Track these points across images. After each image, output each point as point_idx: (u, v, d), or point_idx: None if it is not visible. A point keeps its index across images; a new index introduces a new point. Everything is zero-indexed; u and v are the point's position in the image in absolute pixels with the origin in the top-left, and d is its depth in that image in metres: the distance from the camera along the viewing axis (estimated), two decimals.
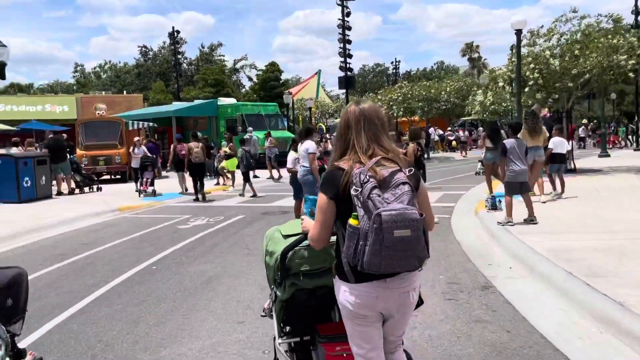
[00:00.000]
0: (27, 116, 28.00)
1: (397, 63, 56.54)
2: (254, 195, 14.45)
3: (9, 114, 28.50)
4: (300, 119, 41.24)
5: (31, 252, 8.48)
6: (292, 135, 27.22)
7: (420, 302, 2.54)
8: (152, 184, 14.70)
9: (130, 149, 16.11)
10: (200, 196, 14.05)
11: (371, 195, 2.18)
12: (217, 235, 9.28)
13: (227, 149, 17.07)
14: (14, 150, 14.79)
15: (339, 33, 26.12)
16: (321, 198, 2.36)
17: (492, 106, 27.84)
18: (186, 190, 15.45)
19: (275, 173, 19.49)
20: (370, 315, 2.39)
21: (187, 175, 14.84)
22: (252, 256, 7.48)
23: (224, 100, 28.15)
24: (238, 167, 15.91)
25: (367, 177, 2.22)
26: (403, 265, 2.21)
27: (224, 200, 14.21)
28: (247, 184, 14.84)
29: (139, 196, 14.43)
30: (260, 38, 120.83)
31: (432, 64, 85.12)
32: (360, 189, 2.20)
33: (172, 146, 17.62)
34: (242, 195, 14.78)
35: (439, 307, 5.05)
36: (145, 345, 4.44)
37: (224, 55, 61.43)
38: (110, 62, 69.06)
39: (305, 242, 2.65)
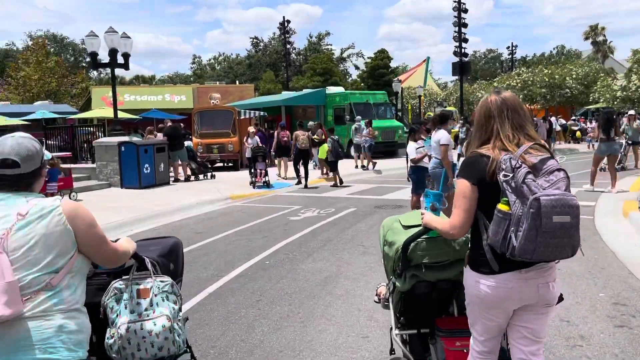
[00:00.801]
0: (148, 105, 29.71)
1: (513, 48, 52.63)
2: (339, 184, 14.62)
3: (133, 104, 30.45)
4: (410, 107, 39.93)
5: None
6: (400, 125, 26.40)
7: (560, 297, 2.43)
8: (266, 174, 14.47)
9: (244, 139, 15.86)
10: (303, 182, 14.46)
11: (526, 180, 2.13)
12: (329, 229, 8.81)
13: (315, 137, 16.61)
14: (135, 138, 15.46)
15: (454, 16, 24.59)
16: (463, 184, 2.33)
17: (624, 93, 24.74)
18: (283, 177, 16.04)
19: (364, 162, 19.06)
20: (502, 309, 2.34)
21: (288, 162, 15.61)
22: (369, 255, 6.88)
23: (332, 89, 27.82)
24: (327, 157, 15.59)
25: (520, 163, 2.18)
26: (557, 254, 2.14)
27: (332, 191, 13.77)
28: (335, 174, 14.78)
29: (253, 187, 14.27)
30: (367, 27, 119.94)
31: (550, 49, 78.87)
32: (511, 174, 2.16)
33: (275, 132, 17.62)
34: (336, 185, 14.65)
35: (609, 337, 4.10)
36: (261, 356, 4.01)
37: (331, 45, 61.59)
38: (223, 54, 72.25)
39: (427, 234, 2.68)
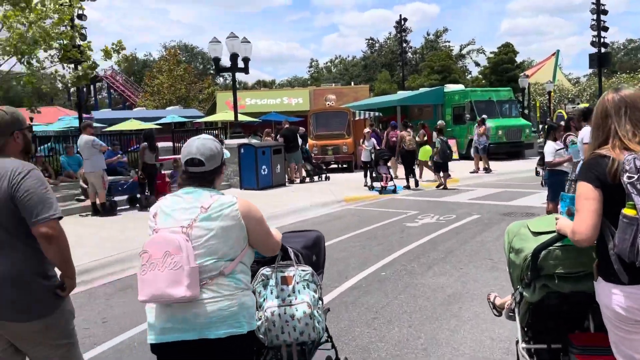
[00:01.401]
0: (268, 109, 30.63)
1: None
2: (443, 187, 13.95)
3: (253, 107, 31.61)
4: (537, 104, 37.08)
5: None
6: (527, 123, 24.40)
7: None
8: (391, 179, 13.66)
9: (360, 141, 15.16)
10: (413, 183, 14.25)
11: None
12: (451, 239, 8.08)
13: (418, 137, 15.71)
14: (254, 141, 15.76)
15: (592, 2, 22.14)
16: (585, 187, 2.17)
17: None
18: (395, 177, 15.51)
19: (484, 165, 17.51)
20: None
21: (397, 162, 15.33)
22: (498, 271, 6.09)
23: (450, 87, 26.54)
24: (432, 157, 14.99)
25: None
26: None
27: (451, 195, 12.88)
28: (440, 175, 14.15)
29: (370, 190, 13.69)
30: (487, 23, 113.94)
31: None
32: (636, 175, 2.02)
33: (385, 133, 17.09)
34: (444, 187, 13.99)
35: None
36: None
37: (449, 42, 59.32)
38: (340, 56, 72.82)
39: (561, 242, 2.47)
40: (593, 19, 22.10)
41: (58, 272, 2.62)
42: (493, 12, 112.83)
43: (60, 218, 2.53)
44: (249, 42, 15.27)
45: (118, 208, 11.61)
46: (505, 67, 45.29)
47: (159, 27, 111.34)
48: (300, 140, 16.25)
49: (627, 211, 2.03)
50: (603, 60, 22.05)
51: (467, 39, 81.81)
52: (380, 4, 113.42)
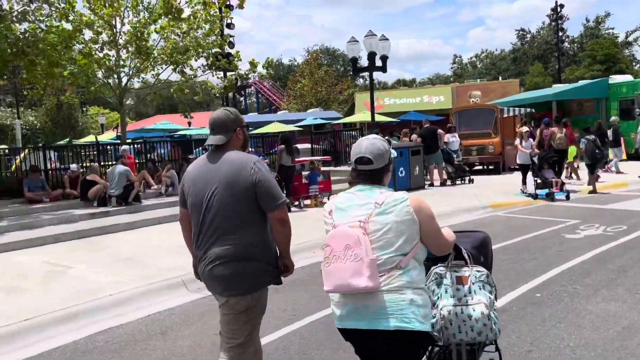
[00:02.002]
0: (407, 108, 29.83)
1: None
2: (593, 192, 12.67)
3: (392, 107, 31.02)
4: None
5: None
6: None
7: None
8: (562, 184, 12.06)
9: (517, 142, 13.02)
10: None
11: None
12: (623, 255, 6.82)
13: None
14: (392, 142, 15.24)
15: None
16: None
17: None
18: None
19: None
20: None
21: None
22: None
23: (617, 78, 23.43)
24: (577, 157, 14.11)
25: None
26: None
27: (619, 202, 11.10)
28: (590, 179, 12.98)
29: (535, 199, 11.97)
30: None
31: None
32: None
33: (538, 130, 15.47)
34: (593, 192, 12.70)
35: None
36: None
37: (612, 28, 52.92)
38: (486, 50, 69.08)
39: None
40: None
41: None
42: None
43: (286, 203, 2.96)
44: (387, 39, 14.79)
45: None
46: None
47: (303, 33, 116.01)
48: (442, 140, 15.39)
49: None
50: None
51: (634, 25, 72.49)
52: None
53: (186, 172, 3.09)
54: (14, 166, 14.34)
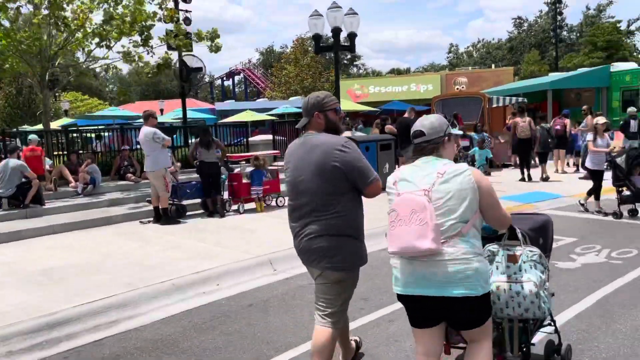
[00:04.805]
0: (392, 97, 27.74)
1: None
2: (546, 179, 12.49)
3: (378, 95, 28.90)
4: None
5: None
6: None
7: None
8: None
9: (589, 137, 9.25)
10: (526, 175, 12.94)
11: None
12: (636, 305, 4.74)
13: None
14: (359, 134, 13.12)
15: None
16: None
17: None
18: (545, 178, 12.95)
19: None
20: None
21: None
22: None
23: (619, 66, 21.30)
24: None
25: None
26: None
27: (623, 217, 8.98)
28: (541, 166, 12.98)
29: (616, 217, 8.63)
30: None
31: None
32: None
33: (552, 121, 13.95)
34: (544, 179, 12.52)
35: None
36: None
37: (614, 17, 50.57)
38: (483, 39, 66.69)
39: None
40: None
41: None
42: None
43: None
44: (355, 14, 12.60)
45: (188, 214, 9.82)
46: None
47: (303, 22, 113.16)
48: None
49: None
50: None
51: (636, 14, 69.99)
52: None
53: (286, 152, 3.28)
54: None
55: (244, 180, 10.06)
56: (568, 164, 15.28)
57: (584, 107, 15.57)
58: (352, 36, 12.68)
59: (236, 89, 65.25)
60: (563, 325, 4.24)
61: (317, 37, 12.84)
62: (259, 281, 6.01)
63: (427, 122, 2.71)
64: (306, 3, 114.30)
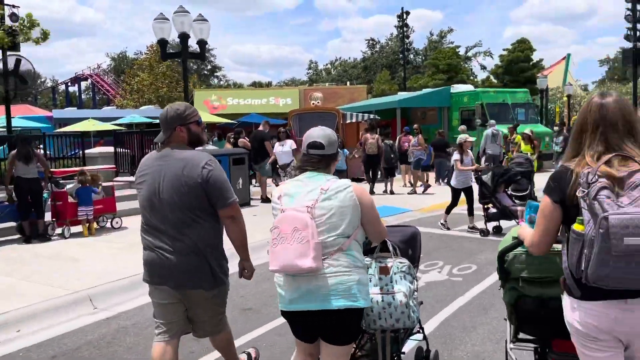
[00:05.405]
0: (251, 109, 27.22)
1: None
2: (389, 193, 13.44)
3: (235, 108, 28.16)
4: (557, 109, 33.70)
5: None
6: (548, 131, 21.03)
7: None
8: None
9: (455, 157, 8.99)
10: (370, 189, 13.37)
11: (598, 197, 1.89)
12: (475, 328, 4.69)
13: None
14: (210, 147, 12.38)
15: None
16: (545, 201, 2.15)
17: None
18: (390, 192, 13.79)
19: (411, 181, 14.56)
20: (605, 340, 2.02)
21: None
22: None
23: (459, 87, 23.19)
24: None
25: (596, 177, 1.94)
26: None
27: (464, 224, 9.39)
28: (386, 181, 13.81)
29: (483, 234, 8.73)
30: (491, 30, 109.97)
31: None
32: (586, 190, 1.93)
33: (397, 139, 15.15)
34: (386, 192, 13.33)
35: None
36: None
37: (454, 42, 55.84)
38: (340, 58, 69.40)
39: (523, 247, 2.55)
40: (628, 8, 18.73)
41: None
42: (497, 20, 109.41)
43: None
44: (205, 20, 11.91)
45: (2, 239, 8.30)
46: (521, 66, 41.47)
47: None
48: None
49: (576, 227, 1.98)
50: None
51: (473, 41, 78.38)
52: (384, 10, 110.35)
53: (139, 165, 3.15)
54: None
55: (70, 200, 8.77)
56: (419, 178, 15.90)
57: (415, 125, 16.52)
58: (202, 43, 11.99)
59: (83, 96, 60.24)
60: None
61: (163, 42, 11.91)
62: (73, 323, 5.04)
63: (326, 136, 2.70)
64: (165, 10, 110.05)
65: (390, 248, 2.94)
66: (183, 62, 12.14)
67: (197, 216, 2.96)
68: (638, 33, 19.01)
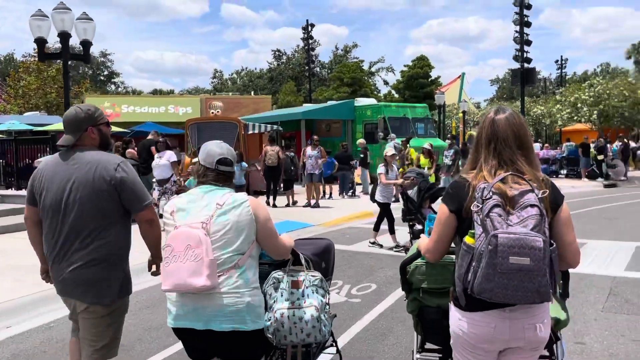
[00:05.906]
0: (148, 118, 25.68)
1: (563, 62, 47.56)
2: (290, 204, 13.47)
3: (131, 116, 26.43)
4: (454, 125, 35.31)
5: None
6: (444, 144, 21.86)
7: (554, 339, 2.48)
8: None
9: (380, 170, 8.64)
10: (272, 202, 13.44)
11: (491, 214, 1.96)
12: (373, 357, 4.33)
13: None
14: None
15: (515, 13, 20.00)
16: (442, 209, 2.22)
17: None
18: (311, 204, 13.59)
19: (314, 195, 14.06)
20: (485, 349, 2.14)
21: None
22: None
23: (362, 101, 23.45)
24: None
25: (491, 194, 2.00)
26: (518, 298, 1.94)
27: (362, 239, 9.17)
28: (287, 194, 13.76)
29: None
30: (393, 48, 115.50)
31: (580, 71, 72.80)
32: (480, 206, 2.00)
33: (302, 151, 14.89)
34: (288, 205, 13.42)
35: None
36: None
37: (357, 57, 57.34)
38: (246, 68, 68.61)
39: (423, 258, 2.60)
40: (516, 31, 19.99)
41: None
42: (398, 39, 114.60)
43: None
44: (90, 19, 10.85)
45: None
46: (420, 81, 43.34)
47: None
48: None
49: (467, 239, 2.04)
50: (527, 77, 19.93)
51: (377, 57, 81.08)
52: (291, 23, 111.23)
53: (37, 171, 2.97)
54: None
55: None
56: (324, 191, 15.58)
57: (315, 137, 16.30)
58: (86, 44, 10.90)
59: None
60: None
61: (41, 42, 10.71)
62: None
63: (231, 153, 2.70)
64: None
65: (303, 261, 2.87)
66: (64, 64, 10.93)
67: (109, 223, 2.85)
68: (525, 54, 20.32)
